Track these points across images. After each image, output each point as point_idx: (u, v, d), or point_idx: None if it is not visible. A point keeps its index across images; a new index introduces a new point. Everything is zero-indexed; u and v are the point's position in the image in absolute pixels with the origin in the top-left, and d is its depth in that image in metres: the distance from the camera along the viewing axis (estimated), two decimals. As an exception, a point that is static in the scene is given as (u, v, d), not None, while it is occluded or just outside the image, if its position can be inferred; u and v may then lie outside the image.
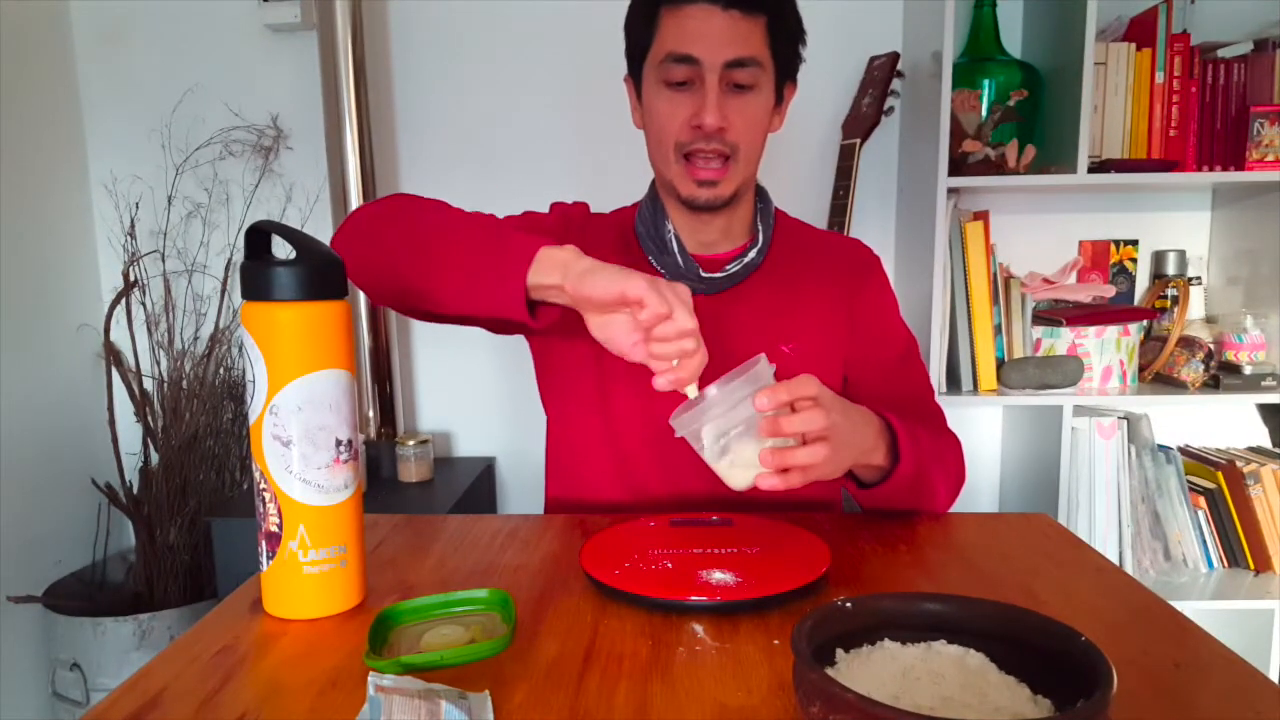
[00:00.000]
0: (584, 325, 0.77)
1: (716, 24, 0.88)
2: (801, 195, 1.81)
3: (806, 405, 0.72)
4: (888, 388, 1.02)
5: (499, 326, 1.01)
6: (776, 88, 0.96)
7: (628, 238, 1.04)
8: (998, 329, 1.68)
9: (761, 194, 1.05)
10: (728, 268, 0.99)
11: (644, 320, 0.71)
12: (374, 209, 0.91)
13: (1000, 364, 1.67)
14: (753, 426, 0.71)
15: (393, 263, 0.85)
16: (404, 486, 1.71)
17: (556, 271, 0.74)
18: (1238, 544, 1.67)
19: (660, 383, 0.73)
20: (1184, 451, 1.76)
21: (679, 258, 0.98)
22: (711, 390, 0.71)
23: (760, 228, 1.02)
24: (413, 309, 0.89)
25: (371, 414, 1.79)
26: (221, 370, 1.87)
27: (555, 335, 1.01)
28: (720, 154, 0.92)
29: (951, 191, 1.60)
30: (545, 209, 1.08)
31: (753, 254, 1.00)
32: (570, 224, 1.04)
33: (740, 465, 0.72)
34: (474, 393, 1.94)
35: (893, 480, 0.86)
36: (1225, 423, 1.88)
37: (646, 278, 0.71)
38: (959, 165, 1.61)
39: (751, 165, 0.97)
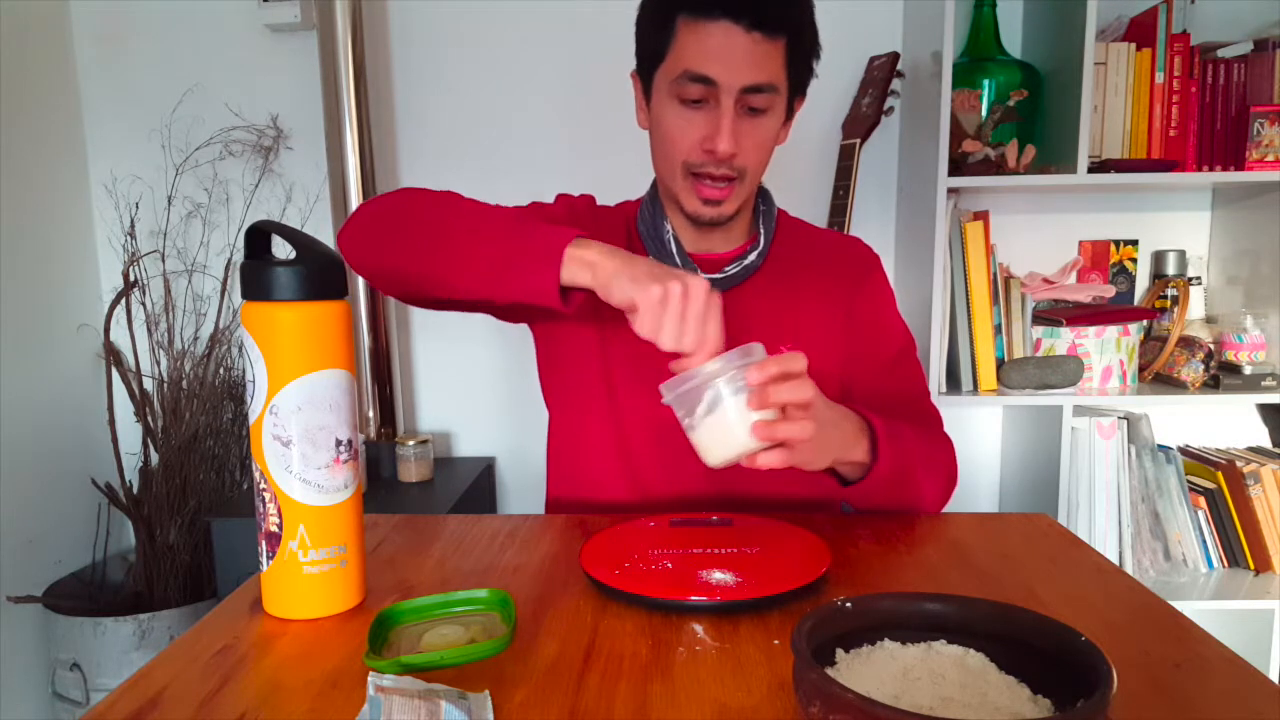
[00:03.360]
0: (603, 308, 0.78)
1: (737, 45, 0.86)
2: (801, 195, 1.81)
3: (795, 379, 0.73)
4: (883, 387, 1.02)
5: (510, 314, 1.01)
6: (788, 104, 0.95)
7: (631, 232, 1.04)
8: (998, 329, 1.68)
9: (764, 195, 1.04)
10: (726, 269, 0.99)
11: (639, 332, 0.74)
12: (386, 200, 0.91)
13: (1000, 364, 1.67)
14: (737, 400, 0.71)
15: (409, 249, 0.86)
16: (404, 486, 1.71)
17: (586, 271, 0.76)
18: (1238, 544, 1.67)
19: (672, 367, 0.75)
20: (1184, 451, 1.76)
21: (677, 259, 0.98)
22: (705, 363, 0.72)
23: (761, 230, 1.02)
24: (423, 296, 0.89)
25: (371, 414, 1.79)
26: (221, 370, 1.87)
27: (565, 325, 1.01)
28: (728, 177, 0.92)
29: (951, 191, 1.60)
30: (554, 200, 1.08)
31: (752, 257, 1.00)
32: (576, 216, 1.04)
33: (720, 437, 0.72)
34: (474, 393, 1.94)
35: (872, 477, 0.86)
36: (1225, 423, 1.88)
37: (660, 288, 0.72)
38: (959, 165, 1.61)
39: (756, 182, 0.97)
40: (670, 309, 0.72)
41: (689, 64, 0.88)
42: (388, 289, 0.92)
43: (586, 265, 0.76)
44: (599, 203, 1.09)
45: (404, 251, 0.86)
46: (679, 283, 0.73)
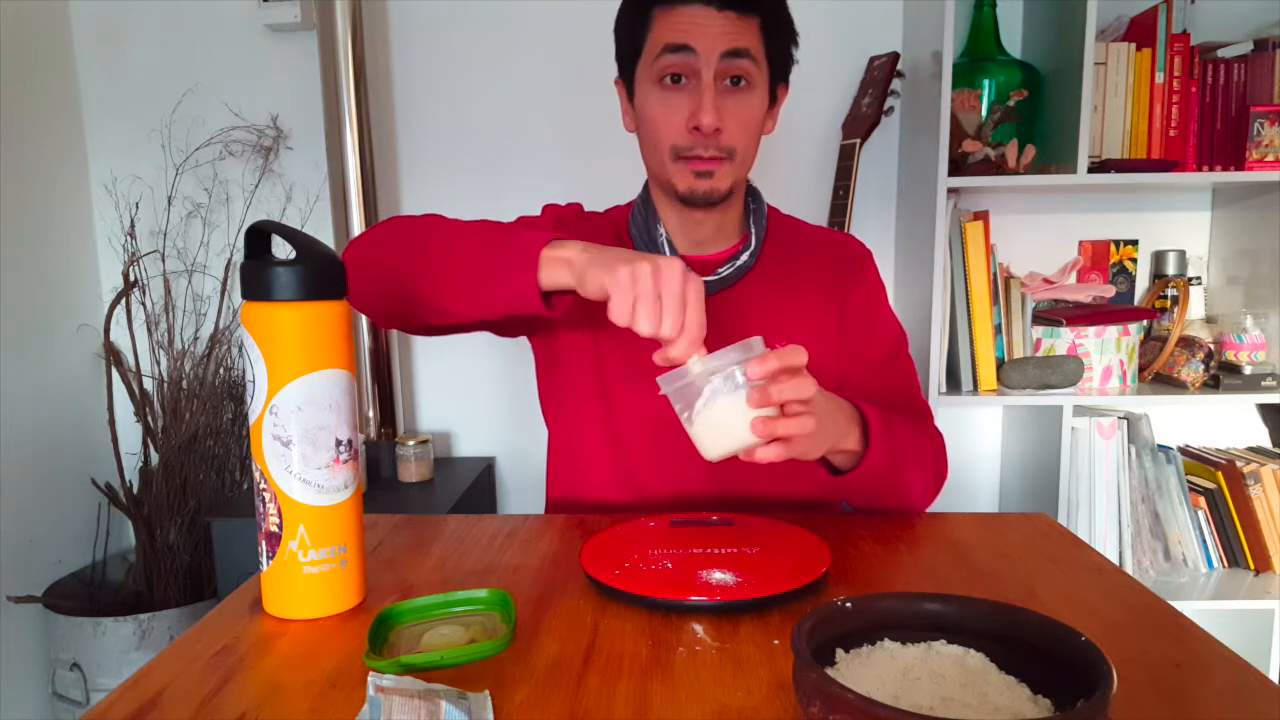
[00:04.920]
0: (594, 310, 0.77)
1: (712, 20, 0.89)
2: (801, 195, 1.81)
3: (796, 375, 0.72)
4: (876, 382, 1.02)
5: (506, 328, 1.02)
6: (770, 88, 0.96)
7: (622, 237, 1.04)
8: (998, 329, 1.68)
9: (754, 194, 1.05)
10: (720, 271, 0.99)
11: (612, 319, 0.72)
12: (369, 237, 0.92)
13: (1000, 364, 1.67)
14: (737, 394, 0.70)
15: (398, 281, 0.86)
16: (404, 486, 1.71)
17: (564, 269, 0.75)
18: (1238, 544, 1.67)
19: (655, 357, 0.73)
20: (1184, 451, 1.76)
21: None
22: (705, 356, 0.71)
23: (753, 229, 1.02)
24: (422, 325, 0.89)
25: (371, 414, 1.79)
26: (221, 370, 1.87)
27: (560, 332, 1.01)
28: (716, 157, 0.92)
29: (951, 191, 1.60)
30: (540, 212, 1.08)
31: (745, 257, 1.00)
32: (565, 225, 1.04)
33: (719, 432, 0.71)
34: (474, 393, 1.94)
35: (864, 467, 0.86)
36: (1225, 423, 1.88)
37: (628, 269, 0.70)
38: (959, 165, 1.61)
39: (746, 166, 0.97)
40: (642, 291, 0.70)
41: (667, 38, 0.90)
42: (386, 324, 0.93)
43: (564, 263, 0.75)
44: (595, 208, 1.10)
45: (390, 284, 0.87)
46: (649, 264, 0.70)
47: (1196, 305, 1.84)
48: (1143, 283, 1.87)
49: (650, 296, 0.70)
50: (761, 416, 0.70)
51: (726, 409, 0.70)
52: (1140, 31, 1.66)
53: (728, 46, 0.89)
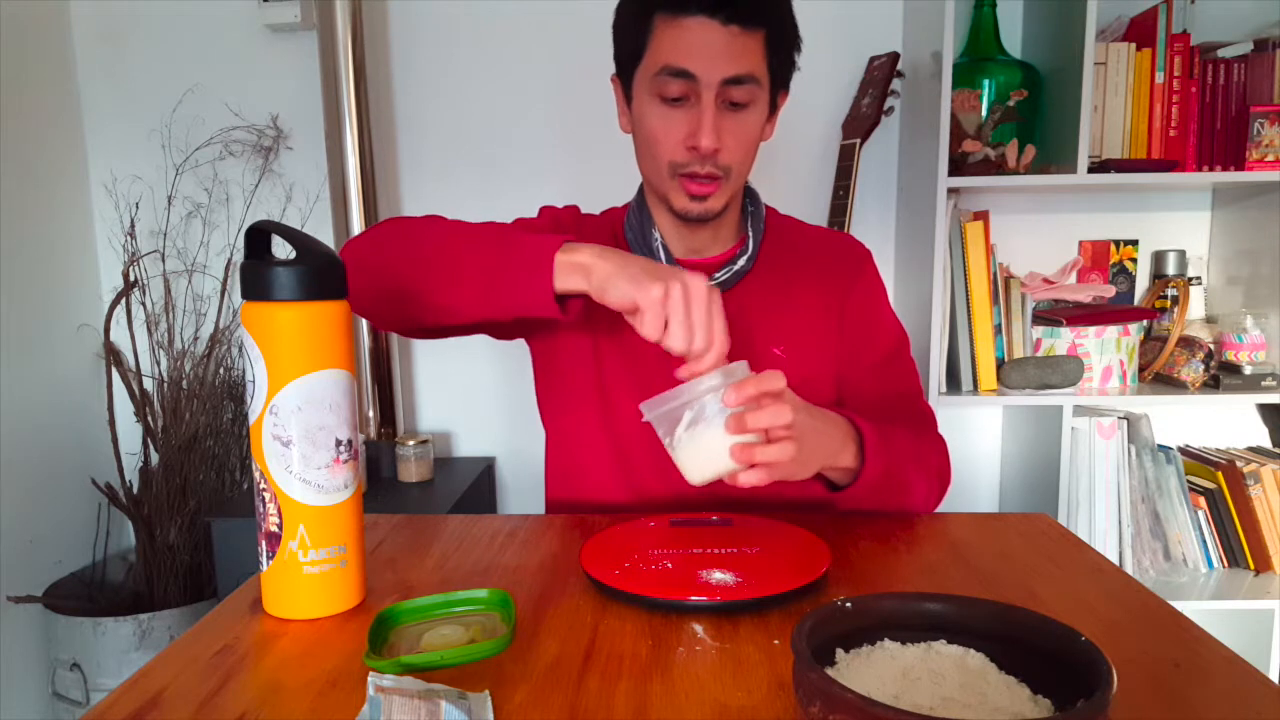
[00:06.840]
0: (596, 312, 0.78)
1: (715, 39, 0.86)
2: (801, 195, 1.81)
3: (774, 400, 0.72)
4: (876, 385, 1.02)
5: (507, 331, 1.01)
6: (771, 98, 0.95)
7: (618, 240, 1.04)
8: (998, 329, 1.68)
9: (751, 195, 1.04)
10: (717, 275, 0.98)
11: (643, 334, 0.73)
12: (368, 237, 0.91)
13: (1000, 364, 1.67)
14: (717, 420, 0.71)
15: (400, 282, 0.85)
16: (404, 486, 1.71)
17: (579, 275, 0.76)
18: (1238, 544, 1.67)
19: (679, 372, 0.74)
20: (1184, 451, 1.76)
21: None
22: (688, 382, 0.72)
23: (750, 231, 1.01)
24: (420, 327, 0.89)
25: (371, 414, 1.79)
26: (221, 370, 1.87)
27: (560, 335, 1.01)
28: (713, 175, 0.92)
29: (951, 191, 1.60)
30: (537, 214, 1.08)
31: (742, 261, 0.99)
32: (562, 227, 1.04)
33: (701, 458, 0.72)
34: (474, 393, 1.94)
35: (860, 483, 0.86)
36: (1225, 423, 1.88)
37: (660, 287, 0.72)
38: (959, 165, 1.61)
39: (743, 179, 0.97)
40: (674, 309, 0.71)
41: (667, 59, 0.88)
42: (386, 325, 0.92)
43: (579, 269, 0.75)
44: (594, 209, 1.09)
45: (391, 286, 0.86)
46: (679, 282, 0.72)
47: (1196, 305, 1.84)
48: (1143, 283, 1.87)
49: (682, 315, 0.71)
50: (742, 442, 0.70)
51: (707, 435, 0.71)
52: (1140, 31, 1.66)
53: (730, 73, 0.87)
